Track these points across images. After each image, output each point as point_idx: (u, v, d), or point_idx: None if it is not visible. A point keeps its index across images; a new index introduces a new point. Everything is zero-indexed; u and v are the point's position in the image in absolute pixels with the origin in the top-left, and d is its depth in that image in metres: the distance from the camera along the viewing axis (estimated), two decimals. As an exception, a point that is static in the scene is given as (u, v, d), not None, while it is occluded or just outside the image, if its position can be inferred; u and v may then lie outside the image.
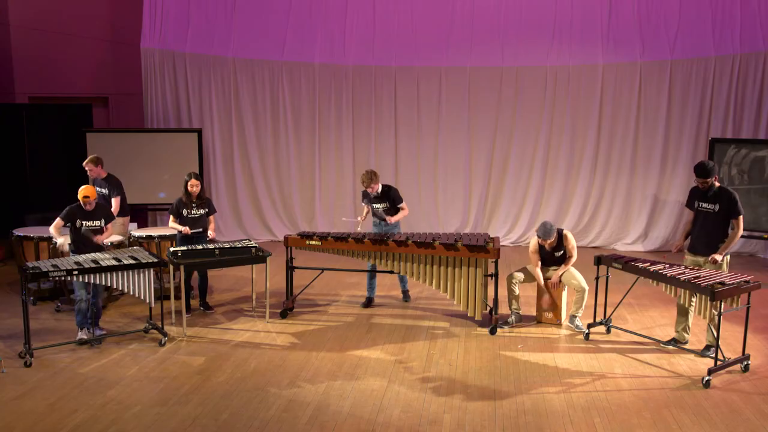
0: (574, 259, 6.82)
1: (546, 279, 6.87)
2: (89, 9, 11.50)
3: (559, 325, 6.84)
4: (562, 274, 6.77)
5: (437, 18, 10.88)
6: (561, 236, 6.78)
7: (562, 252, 6.82)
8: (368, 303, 7.62)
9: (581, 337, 6.56)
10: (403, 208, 7.45)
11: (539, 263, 6.88)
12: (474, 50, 10.82)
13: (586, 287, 6.73)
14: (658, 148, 10.50)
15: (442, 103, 10.94)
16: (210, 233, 7.26)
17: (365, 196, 7.54)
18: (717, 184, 6.03)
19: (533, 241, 6.86)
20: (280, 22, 10.96)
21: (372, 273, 7.57)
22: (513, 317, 6.90)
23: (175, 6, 10.74)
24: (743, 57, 9.99)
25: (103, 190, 7.72)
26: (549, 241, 6.66)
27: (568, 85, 10.66)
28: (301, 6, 10.93)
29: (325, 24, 10.95)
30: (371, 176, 7.33)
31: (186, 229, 7.04)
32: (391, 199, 7.44)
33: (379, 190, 7.41)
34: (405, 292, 7.83)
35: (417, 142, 11.08)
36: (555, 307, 6.88)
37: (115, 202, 7.64)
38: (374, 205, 7.47)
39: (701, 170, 5.96)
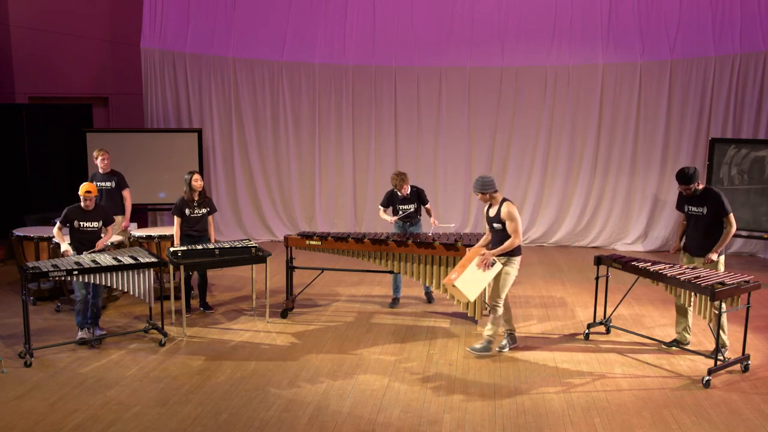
0: (511, 243, 5.84)
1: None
2: (89, 9, 11.51)
3: (451, 282, 5.80)
4: (496, 254, 5.88)
5: (437, 18, 10.88)
6: (502, 204, 5.94)
7: (501, 227, 5.93)
8: (394, 303, 7.60)
9: (581, 337, 6.56)
10: (429, 208, 7.56)
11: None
12: (474, 50, 10.83)
13: (496, 306, 6.00)
14: (658, 148, 10.51)
15: (442, 103, 10.94)
16: (211, 239, 7.26)
17: (391, 199, 7.49)
18: (701, 186, 6.06)
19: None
20: (280, 22, 10.96)
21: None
22: (506, 340, 6.23)
23: (175, 6, 10.74)
24: (743, 57, 9.99)
25: (109, 184, 7.74)
26: (480, 196, 5.93)
27: (568, 85, 10.66)
28: (301, 6, 10.93)
29: (325, 24, 10.96)
30: (403, 178, 7.34)
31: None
32: (421, 200, 7.48)
33: (409, 191, 7.43)
34: (428, 293, 7.74)
35: (417, 142, 11.08)
36: (461, 269, 5.87)
37: (127, 194, 7.86)
38: (402, 206, 7.44)
39: (682, 178, 6.01)
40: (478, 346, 6.05)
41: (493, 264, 5.90)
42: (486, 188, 5.89)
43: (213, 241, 7.27)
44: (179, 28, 10.78)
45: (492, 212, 5.99)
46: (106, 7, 11.64)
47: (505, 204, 5.91)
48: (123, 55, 11.64)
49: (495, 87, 10.82)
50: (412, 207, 7.43)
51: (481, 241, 6.27)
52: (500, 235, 5.95)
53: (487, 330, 6.05)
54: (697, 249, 6.08)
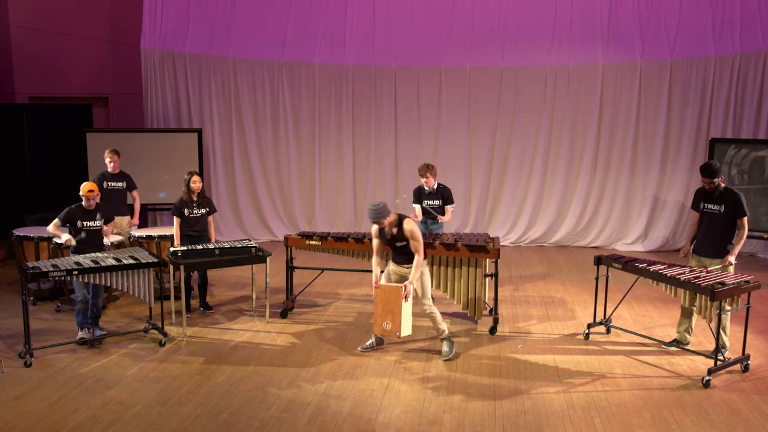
0: (419, 261, 5.85)
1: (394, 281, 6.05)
2: (89, 9, 11.50)
3: (398, 338, 5.98)
4: (412, 281, 5.87)
5: (437, 18, 10.88)
6: (401, 224, 5.88)
7: (405, 243, 5.90)
8: None
9: (581, 337, 6.56)
10: (448, 209, 7.55)
11: (378, 253, 6.07)
12: (474, 50, 10.83)
13: (431, 310, 6.02)
14: (658, 148, 10.50)
15: (442, 103, 10.94)
16: (211, 239, 7.28)
17: (419, 194, 7.53)
18: (723, 185, 6.03)
19: (374, 226, 6.03)
20: (280, 22, 10.96)
21: None
22: (372, 340, 6.24)
23: (175, 6, 10.74)
24: (743, 57, 9.99)
25: (120, 184, 7.86)
26: (383, 221, 5.83)
27: (568, 85, 10.66)
28: (301, 6, 10.93)
29: (325, 24, 10.95)
30: (429, 167, 7.38)
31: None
32: (445, 198, 7.49)
33: (435, 186, 7.44)
34: None
35: (417, 142, 11.08)
36: (394, 316, 5.86)
37: (136, 195, 8.05)
38: (426, 201, 7.48)
39: (707, 171, 5.96)
40: (446, 349, 6.01)
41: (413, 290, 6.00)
42: (382, 216, 5.79)
43: (213, 241, 7.28)
44: (179, 28, 10.78)
45: (390, 233, 5.91)
46: (106, 7, 11.63)
47: (405, 222, 5.86)
48: (123, 55, 11.63)
49: (495, 87, 10.82)
50: (437, 203, 7.49)
51: (378, 271, 6.01)
52: (406, 250, 5.94)
53: (440, 336, 6.08)
54: (708, 250, 6.04)
